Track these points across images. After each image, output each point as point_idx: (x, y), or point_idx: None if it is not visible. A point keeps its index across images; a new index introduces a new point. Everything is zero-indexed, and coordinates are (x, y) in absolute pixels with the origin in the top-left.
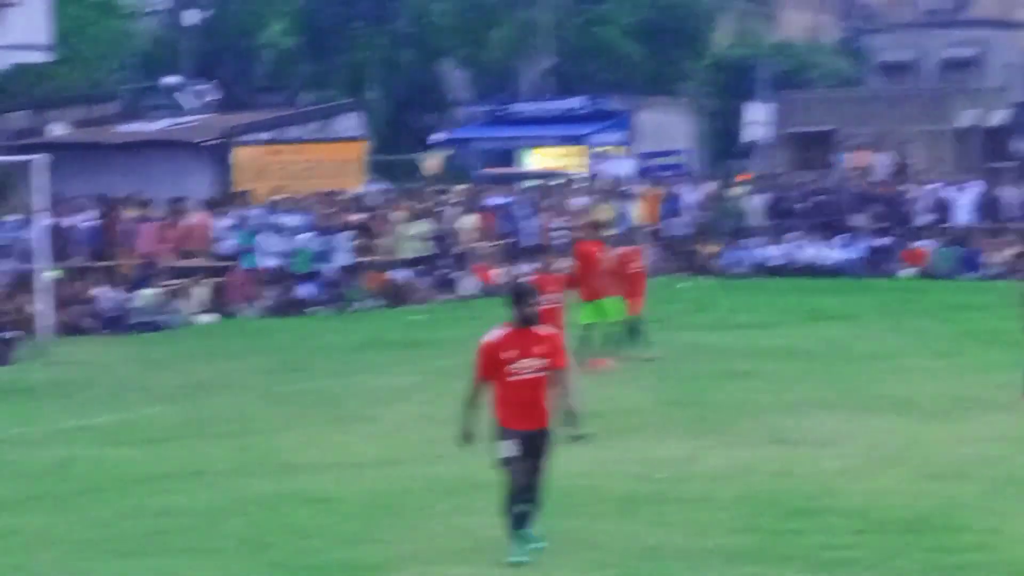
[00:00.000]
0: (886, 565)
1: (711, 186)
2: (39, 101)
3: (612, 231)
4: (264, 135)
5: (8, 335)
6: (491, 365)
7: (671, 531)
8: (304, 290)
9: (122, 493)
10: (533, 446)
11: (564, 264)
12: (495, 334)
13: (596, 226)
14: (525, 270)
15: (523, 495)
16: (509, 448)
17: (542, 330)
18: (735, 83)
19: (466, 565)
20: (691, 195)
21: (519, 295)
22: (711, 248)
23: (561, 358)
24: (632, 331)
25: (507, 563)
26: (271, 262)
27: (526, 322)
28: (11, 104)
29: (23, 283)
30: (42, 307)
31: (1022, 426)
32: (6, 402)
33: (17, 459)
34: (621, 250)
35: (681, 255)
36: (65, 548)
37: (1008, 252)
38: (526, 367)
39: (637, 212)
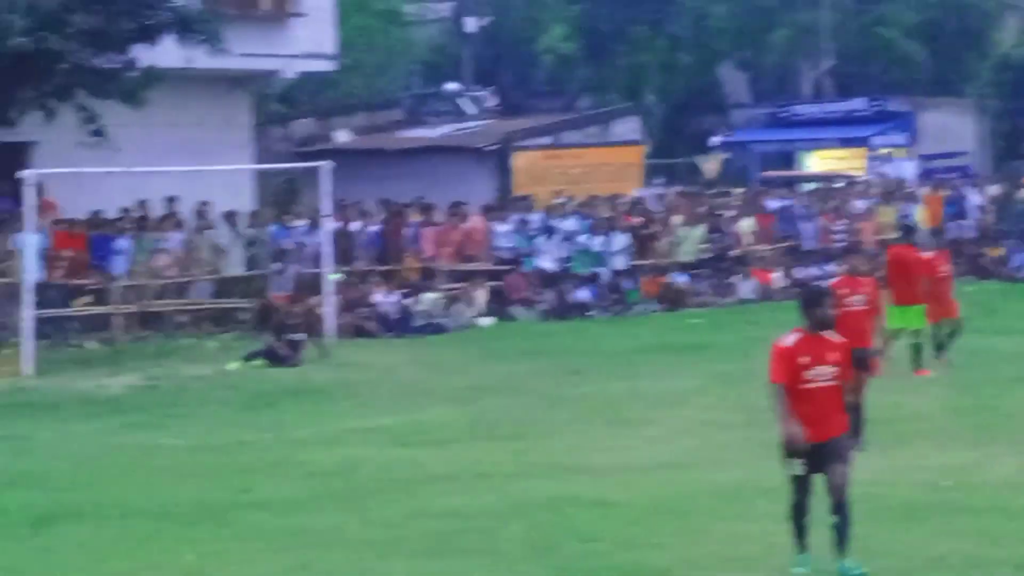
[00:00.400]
0: None
1: (996, 188)
2: (324, 109)
3: (910, 235)
4: (543, 140)
5: (295, 337)
6: (786, 370)
7: (959, 540)
8: (582, 293)
9: (408, 494)
10: (823, 457)
11: (870, 266)
12: (789, 338)
13: (909, 230)
14: (828, 273)
15: (806, 508)
16: (796, 465)
17: (835, 337)
18: (1020, 82)
19: (750, 572)
20: (976, 197)
21: (814, 298)
22: (997, 251)
23: (851, 367)
24: (947, 336)
25: (791, 572)
26: (550, 266)
27: (820, 327)
28: (298, 112)
29: (309, 286)
30: (327, 310)
31: None
32: (295, 403)
33: (306, 459)
34: (928, 255)
35: (966, 259)
36: (352, 548)
37: None
38: (820, 375)
39: (920, 215)
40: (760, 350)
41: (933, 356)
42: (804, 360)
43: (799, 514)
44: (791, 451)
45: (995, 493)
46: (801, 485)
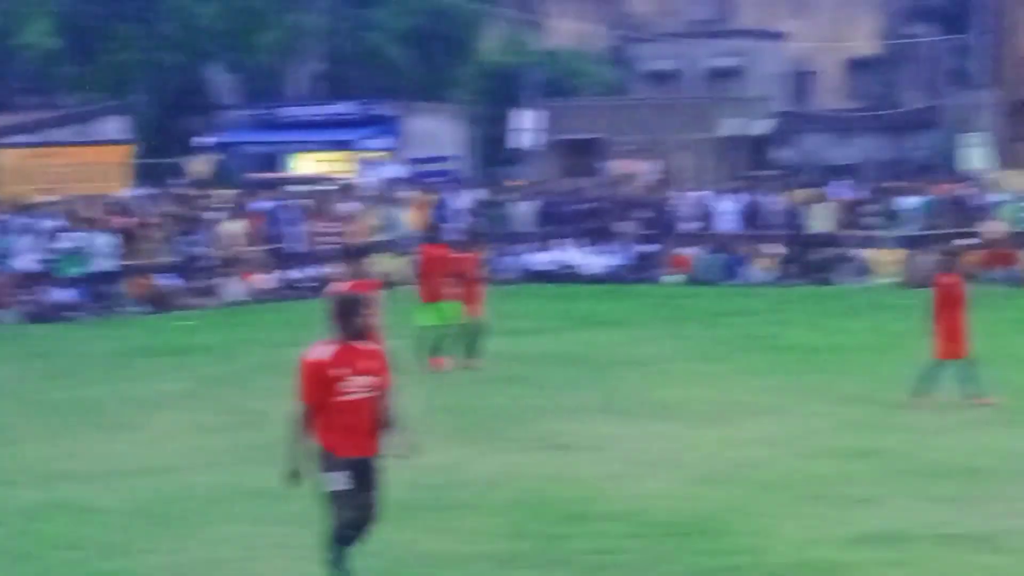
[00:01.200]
0: (653, 569)
1: (480, 192)
2: None
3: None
4: (26, 137)
5: None
6: (318, 386)
7: (444, 537)
8: (65, 295)
9: None
10: (366, 475)
11: (374, 268)
12: (320, 350)
13: (434, 228)
14: (319, 275)
15: (354, 531)
16: (341, 480)
17: (369, 345)
18: (503, 90)
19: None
20: (460, 201)
21: (348, 306)
22: (482, 254)
23: (389, 375)
24: (469, 335)
25: None
26: (30, 266)
27: (355, 336)
28: None
29: None
30: None
31: (787, 429)
32: None
33: None
34: (459, 254)
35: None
36: None
37: (769, 259)
38: (357, 386)
39: (407, 218)
40: (248, 351)
41: (464, 356)
42: (339, 372)
43: (348, 539)
44: (331, 464)
45: (477, 491)
46: (345, 505)
